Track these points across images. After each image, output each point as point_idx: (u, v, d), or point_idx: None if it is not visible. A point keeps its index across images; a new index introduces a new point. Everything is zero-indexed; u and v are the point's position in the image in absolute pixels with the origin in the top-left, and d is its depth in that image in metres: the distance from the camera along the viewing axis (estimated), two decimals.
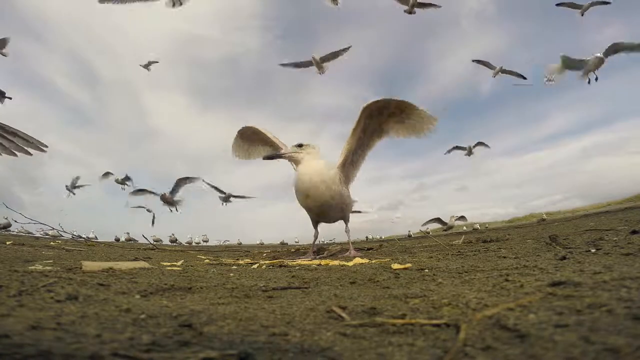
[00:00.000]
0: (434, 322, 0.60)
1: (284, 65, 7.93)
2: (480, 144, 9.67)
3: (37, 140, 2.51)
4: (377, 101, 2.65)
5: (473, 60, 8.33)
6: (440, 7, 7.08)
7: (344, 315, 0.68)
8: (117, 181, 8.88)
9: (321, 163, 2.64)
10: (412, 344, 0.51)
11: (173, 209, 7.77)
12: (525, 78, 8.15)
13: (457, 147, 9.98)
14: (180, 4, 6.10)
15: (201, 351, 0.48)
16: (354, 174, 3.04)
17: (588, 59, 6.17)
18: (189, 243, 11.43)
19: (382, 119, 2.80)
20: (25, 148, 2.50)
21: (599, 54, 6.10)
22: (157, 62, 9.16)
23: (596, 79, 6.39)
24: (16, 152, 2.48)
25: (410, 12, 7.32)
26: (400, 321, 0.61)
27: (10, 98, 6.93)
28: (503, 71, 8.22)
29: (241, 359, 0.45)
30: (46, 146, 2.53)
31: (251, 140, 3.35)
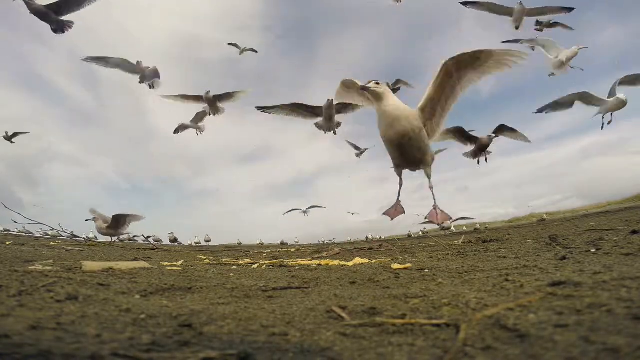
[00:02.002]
0: (434, 322, 0.60)
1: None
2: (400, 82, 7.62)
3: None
4: (461, 54, 2.75)
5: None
6: None
7: (344, 315, 0.68)
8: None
9: (400, 101, 2.80)
10: (412, 344, 0.51)
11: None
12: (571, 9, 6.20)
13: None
14: (153, 87, 6.12)
15: (201, 351, 0.48)
16: (434, 127, 3.06)
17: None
18: (172, 241, 11.22)
19: (462, 71, 2.89)
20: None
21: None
22: (256, 51, 8.33)
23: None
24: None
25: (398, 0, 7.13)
26: (400, 321, 0.61)
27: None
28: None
29: (241, 359, 0.45)
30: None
31: (350, 90, 3.55)
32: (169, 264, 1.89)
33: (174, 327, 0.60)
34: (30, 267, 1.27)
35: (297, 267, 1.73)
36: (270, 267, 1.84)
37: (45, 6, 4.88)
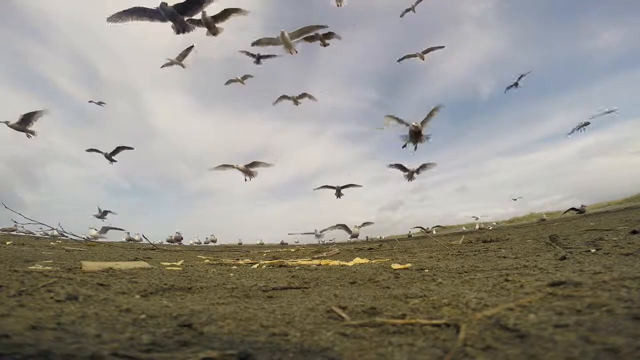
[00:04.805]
0: (434, 322, 0.60)
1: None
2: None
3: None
4: None
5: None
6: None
7: (344, 315, 0.68)
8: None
9: None
10: (412, 344, 0.51)
11: None
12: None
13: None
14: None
15: (201, 351, 0.47)
16: None
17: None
18: (172, 240, 11.13)
19: None
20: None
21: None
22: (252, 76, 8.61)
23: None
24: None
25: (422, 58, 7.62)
26: (400, 321, 0.61)
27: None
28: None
29: (241, 359, 0.45)
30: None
31: None
32: (169, 264, 1.89)
33: (174, 327, 0.60)
34: (30, 267, 1.27)
35: (297, 267, 1.73)
36: (270, 267, 1.84)
37: (173, 6, 4.75)
